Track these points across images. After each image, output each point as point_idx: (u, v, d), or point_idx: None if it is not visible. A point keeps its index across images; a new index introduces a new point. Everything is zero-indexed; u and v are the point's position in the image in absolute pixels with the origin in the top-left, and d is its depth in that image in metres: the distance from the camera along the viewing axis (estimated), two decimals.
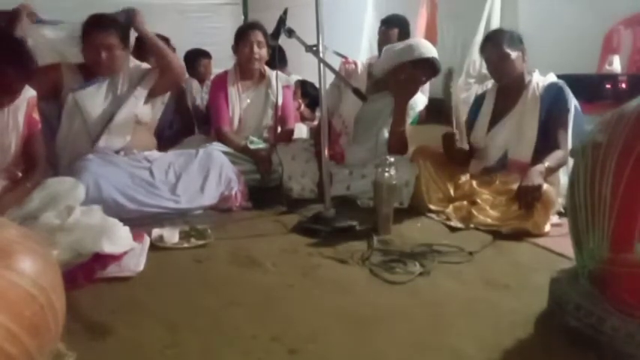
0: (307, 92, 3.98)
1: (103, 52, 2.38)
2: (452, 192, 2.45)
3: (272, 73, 2.93)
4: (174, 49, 3.91)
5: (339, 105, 2.71)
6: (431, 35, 4.99)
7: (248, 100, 2.98)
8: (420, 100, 2.76)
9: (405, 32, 3.72)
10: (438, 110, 3.47)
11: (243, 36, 2.91)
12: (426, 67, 2.54)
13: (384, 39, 3.57)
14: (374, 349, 1.32)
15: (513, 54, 2.36)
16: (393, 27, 3.67)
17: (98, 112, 2.44)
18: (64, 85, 2.42)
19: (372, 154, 2.68)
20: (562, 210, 2.23)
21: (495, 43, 2.40)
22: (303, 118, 3.81)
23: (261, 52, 2.91)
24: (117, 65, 2.45)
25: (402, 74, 2.52)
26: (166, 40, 3.66)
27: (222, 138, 2.86)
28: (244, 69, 2.95)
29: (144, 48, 3.45)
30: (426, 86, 3.83)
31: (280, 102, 2.95)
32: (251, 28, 2.92)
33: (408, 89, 2.56)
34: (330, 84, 2.80)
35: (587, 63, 3.54)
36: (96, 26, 2.40)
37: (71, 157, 2.37)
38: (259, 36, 2.88)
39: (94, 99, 2.43)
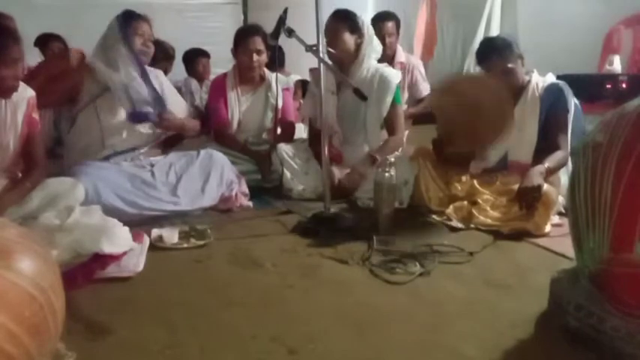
0: None
1: (145, 40, 2.49)
2: (452, 192, 2.44)
3: (271, 76, 2.92)
4: (173, 50, 3.93)
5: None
6: (431, 35, 5.00)
7: (247, 104, 2.98)
8: (394, 74, 2.75)
9: (399, 24, 3.72)
10: None
11: (242, 43, 2.89)
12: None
13: (380, 34, 3.57)
14: (374, 350, 1.32)
15: (515, 65, 2.34)
16: (388, 20, 3.67)
17: (116, 122, 2.46)
18: (84, 87, 2.44)
19: (366, 149, 2.70)
20: (562, 210, 2.23)
21: (497, 59, 2.33)
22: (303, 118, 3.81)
23: (261, 59, 2.91)
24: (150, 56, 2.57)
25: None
26: (170, 50, 3.68)
27: (221, 140, 2.86)
28: (244, 74, 2.95)
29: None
30: (424, 75, 3.83)
31: (280, 104, 2.95)
32: (250, 34, 2.90)
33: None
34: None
35: (587, 63, 3.54)
36: (138, 17, 2.50)
37: (77, 160, 2.36)
38: (259, 43, 2.87)
39: (112, 110, 2.45)
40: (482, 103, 2.22)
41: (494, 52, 2.36)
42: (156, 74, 2.65)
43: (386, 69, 2.77)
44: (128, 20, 2.46)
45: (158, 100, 2.50)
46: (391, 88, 2.70)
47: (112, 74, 2.39)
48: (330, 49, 2.64)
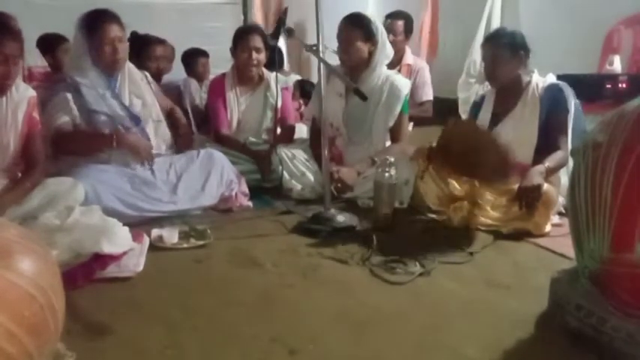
0: (306, 91, 3.98)
1: (116, 45, 2.33)
2: (452, 192, 2.44)
3: (271, 75, 2.92)
4: (172, 49, 3.93)
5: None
6: (433, 35, 4.99)
7: (246, 103, 2.98)
8: (404, 83, 2.73)
9: (409, 25, 3.73)
10: (445, 111, 3.46)
11: (241, 41, 2.89)
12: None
13: (389, 30, 3.58)
14: (374, 350, 1.32)
15: (509, 57, 2.35)
16: (399, 19, 3.68)
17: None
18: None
19: (369, 153, 2.68)
20: (563, 210, 2.23)
21: (494, 45, 2.39)
22: (302, 118, 3.81)
23: (260, 58, 2.90)
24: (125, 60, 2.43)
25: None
26: (162, 42, 3.67)
27: (220, 140, 2.86)
28: (242, 73, 2.95)
29: (143, 51, 3.44)
30: (427, 80, 3.83)
31: (279, 104, 2.95)
32: (249, 33, 2.90)
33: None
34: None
35: (587, 63, 3.54)
36: (104, 19, 2.33)
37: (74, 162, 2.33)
38: (258, 41, 2.87)
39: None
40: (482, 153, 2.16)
41: (492, 38, 2.44)
42: (136, 81, 2.52)
43: (397, 77, 2.74)
44: (93, 27, 2.31)
45: (120, 119, 2.38)
46: (401, 98, 2.69)
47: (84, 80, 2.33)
48: (342, 55, 2.63)
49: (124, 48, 2.38)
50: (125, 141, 2.34)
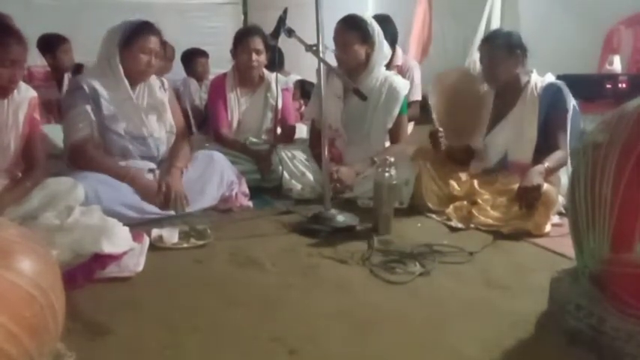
0: (307, 92, 3.98)
1: (152, 57, 2.35)
2: (452, 192, 2.44)
3: (271, 76, 2.93)
4: (173, 49, 3.93)
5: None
6: (427, 35, 4.99)
7: (247, 104, 2.98)
8: (402, 85, 2.73)
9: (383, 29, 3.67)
10: None
11: (241, 43, 2.90)
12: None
13: None
14: (374, 350, 1.32)
15: (505, 57, 2.36)
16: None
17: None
18: None
19: (368, 154, 2.68)
20: (562, 210, 2.23)
21: (490, 46, 2.41)
22: (302, 118, 3.81)
23: (260, 59, 2.91)
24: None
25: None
26: (163, 43, 3.67)
27: (220, 140, 2.86)
28: (243, 74, 2.96)
29: None
30: (417, 79, 3.82)
31: (280, 105, 2.95)
32: (250, 35, 2.91)
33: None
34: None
35: (587, 63, 3.54)
36: (148, 30, 2.35)
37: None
38: (258, 43, 2.88)
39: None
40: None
41: (489, 40, 2.46)
42: (154, 92, 2.49)
43: (395, 78, 2.73)
44: (137, 33, 2.32)
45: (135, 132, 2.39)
46: (399, 99, 2.68)
47: (103, 91, 2.31)
48: (339, 57, 2.64)
49: (156, 63, 2.40)
50: (141, 184, 2.29)
